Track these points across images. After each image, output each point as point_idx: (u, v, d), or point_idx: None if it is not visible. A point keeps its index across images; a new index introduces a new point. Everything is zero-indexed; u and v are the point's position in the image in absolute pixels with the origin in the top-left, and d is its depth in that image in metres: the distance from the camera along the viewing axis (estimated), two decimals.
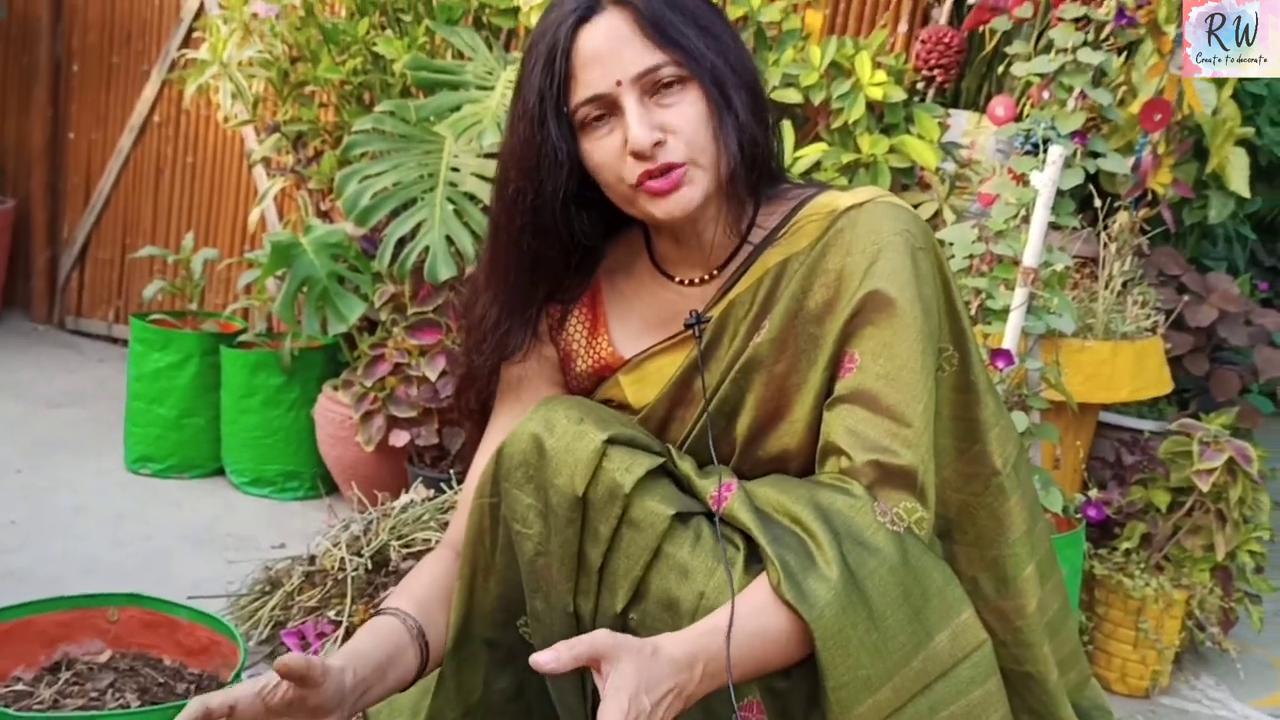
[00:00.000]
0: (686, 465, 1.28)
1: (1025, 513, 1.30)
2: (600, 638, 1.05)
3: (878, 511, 1.16)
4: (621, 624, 1.22)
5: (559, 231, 1.29)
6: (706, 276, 1.33)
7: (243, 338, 3.11)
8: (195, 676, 1.58)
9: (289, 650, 2.10)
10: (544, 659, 1.02)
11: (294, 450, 3.00)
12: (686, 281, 1.34)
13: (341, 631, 2.07)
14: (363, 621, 2.05)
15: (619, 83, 1.22)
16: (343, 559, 2.14)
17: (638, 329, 1.36)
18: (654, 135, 1.21)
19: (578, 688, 1.29)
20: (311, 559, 2.21)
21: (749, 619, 1.12)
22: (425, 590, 1.33)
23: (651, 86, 1.22)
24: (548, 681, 1.32)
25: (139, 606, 1.62)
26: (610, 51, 1.22)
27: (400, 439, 2.66)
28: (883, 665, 1.12)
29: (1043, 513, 1.37)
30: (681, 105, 1.22)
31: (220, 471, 3.13)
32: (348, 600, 2.11)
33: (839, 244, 1.25)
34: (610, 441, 1.22)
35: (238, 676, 1.45)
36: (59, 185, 4.51)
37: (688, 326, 1.30)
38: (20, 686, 1.50)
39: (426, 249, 2.60)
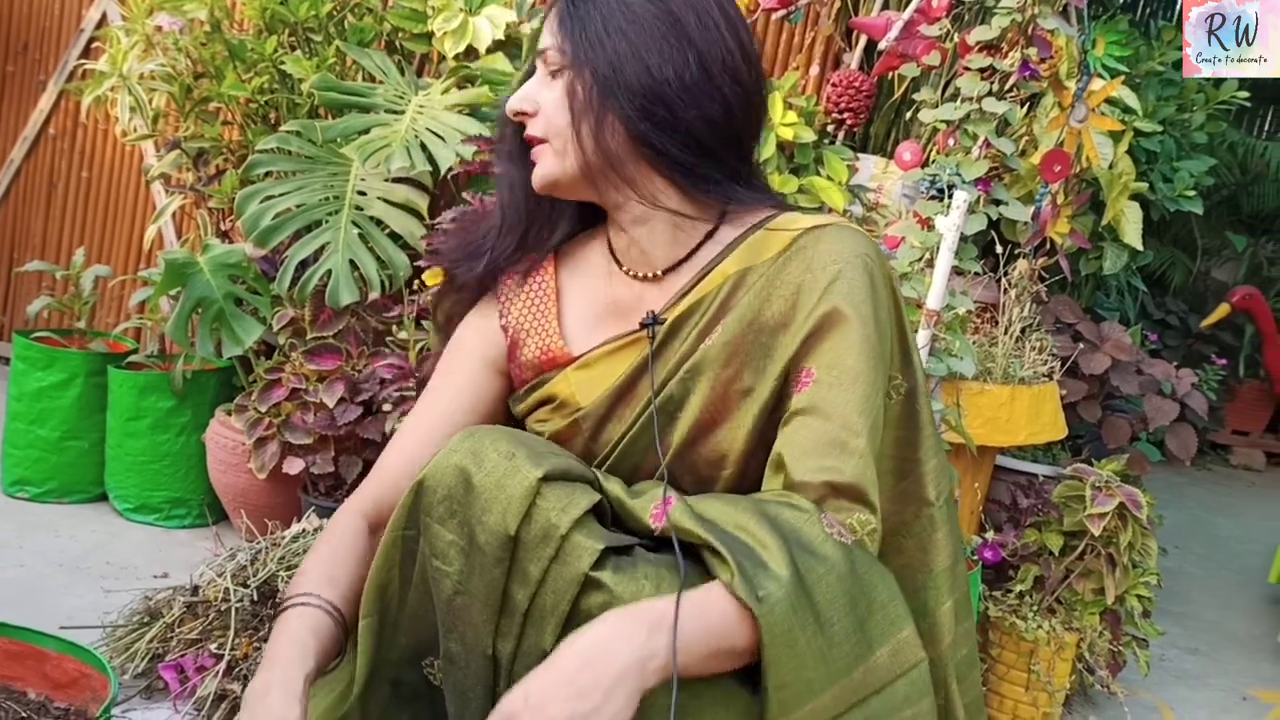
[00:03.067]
0: (615, 486, 1.24)
1: (950, 549, 1.31)
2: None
3: (825, 524, 1.15)
4: None
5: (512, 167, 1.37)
6: (659, 273, 1.33)
7: (132, 358, 3.00)
8: (62, 711, 1.49)
9: (165, 683, 2.02)
10: None
11: (182, 476, 2.89)
12: (641, 276, 1.34)
13: (223, 665, 1.99)
14: (245, 655, 1.98)
15: (540, 50, 1.31)
16: (227, 589, 2.06)
17: (590, 322, 1.36)
18: (516, 104, 1.31)
19: None
20: (194, 589, 2.13)
21: (696, 615, 1.10)
22: (345, 575, 1.30)
23: (550, 64, 1.30)
24: None
25: (3, 636, 1.53)
26: (545, 22, 1.32)
27: (294, 466, 2.58)
28: (826, 671, 1.10)
29: (963, 561, 1.37)
30: (554, 90, 1.29)
31: (103, 497, 3.00)
32: (231, 633, 2.03)
33: (800, 260, 1.26)
34: (545, 478, 1.18)
35: (107, 711, 1.37)
36: None
37: (643, 326, 1.30)
38: None
39: (329, 273, 2.55)
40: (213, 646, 2.00)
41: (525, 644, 1.18)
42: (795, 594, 1.09)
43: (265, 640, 1.99)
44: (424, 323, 2.46)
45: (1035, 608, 2.36)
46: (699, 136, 1.27)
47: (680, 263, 1.32)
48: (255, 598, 2.06)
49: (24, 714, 1.47)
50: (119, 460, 2.92)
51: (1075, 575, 2.38)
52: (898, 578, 1.28)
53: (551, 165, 1.30)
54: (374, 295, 2.57)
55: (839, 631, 1.11)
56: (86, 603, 2.37)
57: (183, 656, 2.02)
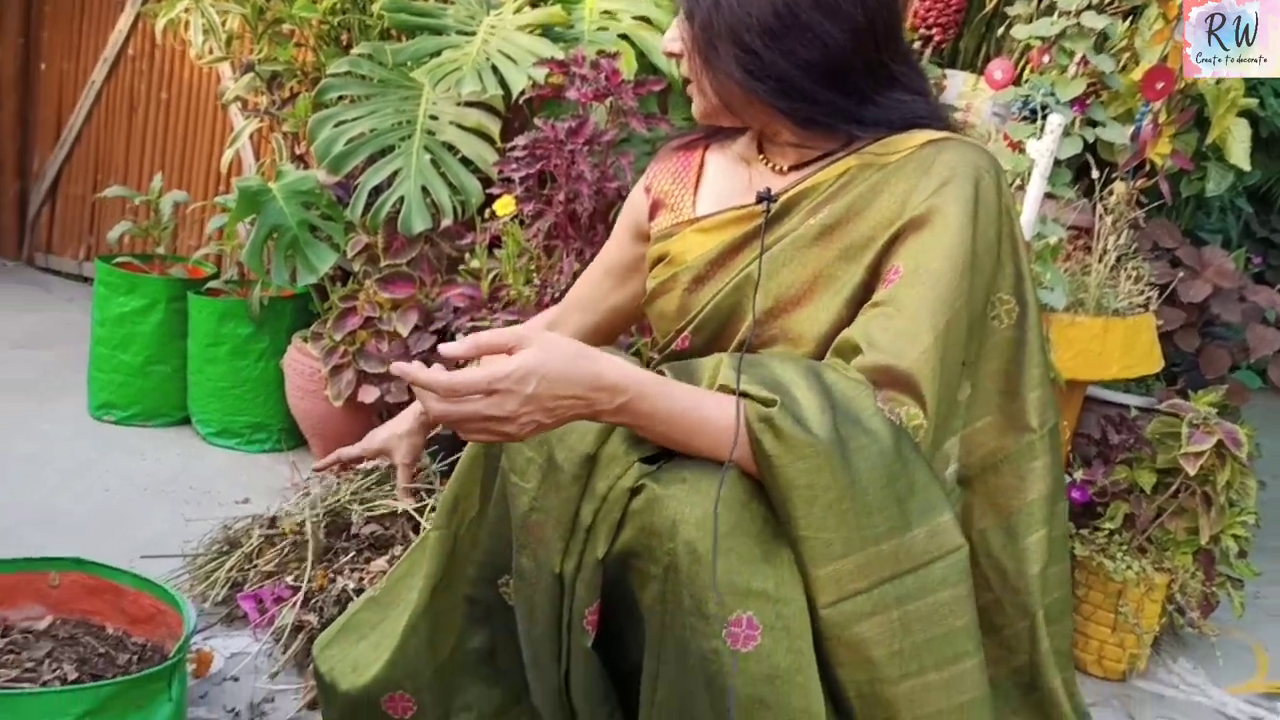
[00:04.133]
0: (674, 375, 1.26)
1: (1049, 481, 1.33)
2: (519, 328, 1.12)
3: (879, 399, 1.17)
4: (602, 570, 1.21)
5: None
6: (786, 169, 1.38)
7: (211, 284, 3.01)
8: (139, 647, 1.51)
9: (245, 613, 2.05)
10: (449, 348, 1.10)
11: (262, 402, 2.92)
12: (776, 168, 1.39)
13: (299, 597, 2.01)
14: (321, 588, 2.00)
15: None
16: (302, 522, 2.07)
17: (720, 196, 1.43)
18: (666, 45, 1.38)
19: (553, 656, 1.25)
20: (272, 520, 2.15)
21: (711, 416, 1.16)
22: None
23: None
24: (522, 645, 1.30)
25: (82, 571, 1.55)
26: None
27: (369, 395, 2.58)
28: (848, 536, 1.13)
29: (1065, 501, 1.37)
30: (687, 35, 1.34)
31: (186, 421, 3.05)
32: (307, 564, 2.04)
33: (918, 165, 1.28)
34: None
35: (182, 649, 1.38)
36: (29, 116, 4.39)
37: (759, 199, 1.34)
38: None
39: (401, 200, 2.52)
40: (289, 578, 2.02)
41: (585, 559, 1.21)
42: (827, 454, 1.11)
43: (339, 573, 2.00)
44: (496, 251, 2.42)
45: (1125, 547, 2.28)
46: (795, 82, 1.28)
47: (818, 158, 1.36)
48: (330, 529, 2.08)
49: (102, 650, 1.49)
50: (200, 385, 2.95)
51: (1168, 514, 2.29)
52: (990, 506, 1.33)
53: (696, 103, 1.38)
54: (447, 222, 2.53)
55: (873, 501, 1.13)
56: (169, 528, 2.41)
57: (261, 587, 2.05)
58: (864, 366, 1.22)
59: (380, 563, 1.96)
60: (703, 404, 1.18)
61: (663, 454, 1.22)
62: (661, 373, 1.29)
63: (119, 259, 3.11)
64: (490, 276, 2.39)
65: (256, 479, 2.77)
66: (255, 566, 2.08)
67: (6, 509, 2.49)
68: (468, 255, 2.48)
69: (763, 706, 1.13)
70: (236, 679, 1.93)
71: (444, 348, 1.11)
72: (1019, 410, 1.31)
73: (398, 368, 1.11)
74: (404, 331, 2.51)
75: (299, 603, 1.99)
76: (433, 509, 2.09)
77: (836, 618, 1.15)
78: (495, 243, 2.45)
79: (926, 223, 1.25)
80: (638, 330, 2.15)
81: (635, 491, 1.19)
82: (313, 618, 1.96)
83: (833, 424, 1.14)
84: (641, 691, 1.22)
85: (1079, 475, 2.31)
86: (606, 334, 1.60)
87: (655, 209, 1.49)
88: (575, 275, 2.30)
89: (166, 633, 1.50)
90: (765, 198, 1.34)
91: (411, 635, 1.35)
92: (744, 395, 1.17)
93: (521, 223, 2.34)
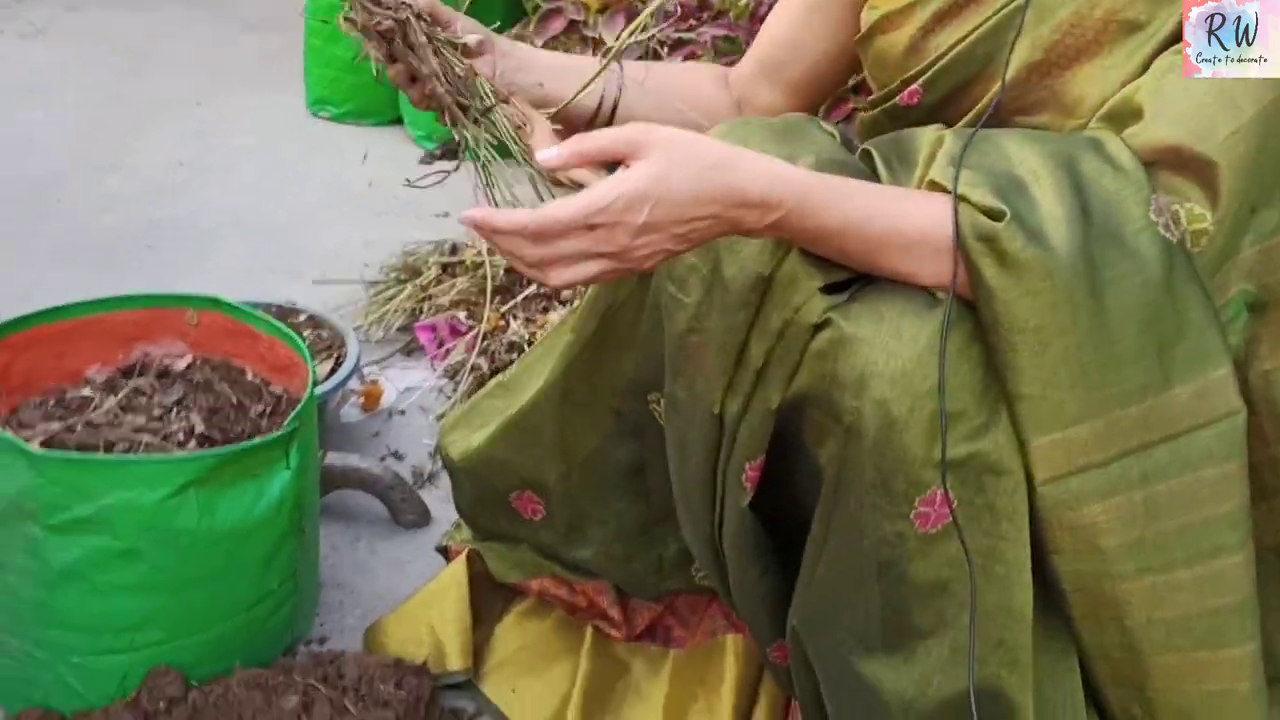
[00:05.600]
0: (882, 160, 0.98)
1: None
2: (633, 129, 0.85)
3: (1152, 207, 0.88)
4: (775, 419, 0.97)
5: None
6: None
7: None
8: (274, 398, 1.40)
9: (421, 345, 1.94)
10: (547, 156, 0.85)
11: None
12: None
13: (478, 334, 1.88)
14: (495, 329, 1.86)
15: None
16: (483, 254, 1.92)
17: None
18: None
19: (706, 502, 1.06)
20: (452, 248, 2.00)
21: (905, 229, 0.89)
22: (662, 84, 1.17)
23: None
24: (673, 477, 1.10)
25: (219, 312, 1.44)
26: None
27: None
28: (1088, 394, 0.87)
29: None
30: None
31: (399, 121, 2.91)
32: (487, 299, 1.91)
33: None
34: None
35: (303, 412, 1.26)
36: None
37: None
38: (86, 391, 1.37)
39: None
40: (462, 314, 1.89)
41: (753, 404, 0.97)
42: (1066, 285, 0.84)
43: (513, 315, 1.85)
44: None
45: None
46: None
47: None
48: (509, 267, 1.91)
49: (235, 400, 1.39)
50: None
51: None
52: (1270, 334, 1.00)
53: None
54: None
55: (1124, 350, 0.86)
56: (359, 240, 2.31)
57: (436, 318, 1.93)
58: (1143, 144, 0.90)
59: (557, 315, 1.79)
60: (891, 211, 0.89)
61: (855, 277, 0.94)
62: (868, 152, 1.00)
63: None
64: None
65: (463, 191, 2.61)
66: (432, 297, 1.95)
67: (214, 205, 2.45)
68: None
69: (943, 593, 0.91)
70: (404, 413, 1.85)
71: (542, 155, 0.86)
72: None
73: (466, 217, 0.86)
74: (609, 40, 2.22)
75: (480, 336, 1.86)
76: None
77: (1060, 496, 0.89)
78: None
79: None
80: None
81: (820, 327, 0.92)
82: (483, 362, 1.83)
83: (1083, 241, 0.85)
84: (804, 561, 1.00)
85: None
86: (817, 89, 1.21)
87: None
88: None
89: (302, 384, 1.39)
90: None
91: (527, 435, 1.19)
92: (961, 199, 0.87)
93: None
